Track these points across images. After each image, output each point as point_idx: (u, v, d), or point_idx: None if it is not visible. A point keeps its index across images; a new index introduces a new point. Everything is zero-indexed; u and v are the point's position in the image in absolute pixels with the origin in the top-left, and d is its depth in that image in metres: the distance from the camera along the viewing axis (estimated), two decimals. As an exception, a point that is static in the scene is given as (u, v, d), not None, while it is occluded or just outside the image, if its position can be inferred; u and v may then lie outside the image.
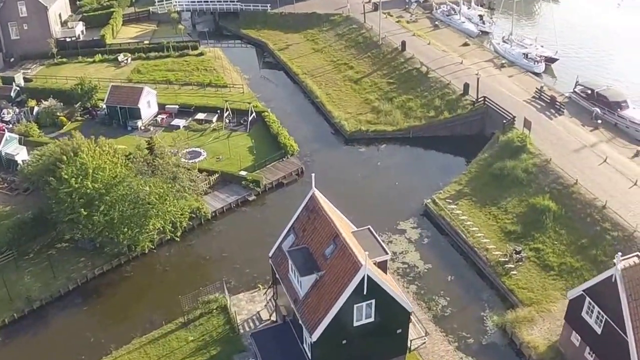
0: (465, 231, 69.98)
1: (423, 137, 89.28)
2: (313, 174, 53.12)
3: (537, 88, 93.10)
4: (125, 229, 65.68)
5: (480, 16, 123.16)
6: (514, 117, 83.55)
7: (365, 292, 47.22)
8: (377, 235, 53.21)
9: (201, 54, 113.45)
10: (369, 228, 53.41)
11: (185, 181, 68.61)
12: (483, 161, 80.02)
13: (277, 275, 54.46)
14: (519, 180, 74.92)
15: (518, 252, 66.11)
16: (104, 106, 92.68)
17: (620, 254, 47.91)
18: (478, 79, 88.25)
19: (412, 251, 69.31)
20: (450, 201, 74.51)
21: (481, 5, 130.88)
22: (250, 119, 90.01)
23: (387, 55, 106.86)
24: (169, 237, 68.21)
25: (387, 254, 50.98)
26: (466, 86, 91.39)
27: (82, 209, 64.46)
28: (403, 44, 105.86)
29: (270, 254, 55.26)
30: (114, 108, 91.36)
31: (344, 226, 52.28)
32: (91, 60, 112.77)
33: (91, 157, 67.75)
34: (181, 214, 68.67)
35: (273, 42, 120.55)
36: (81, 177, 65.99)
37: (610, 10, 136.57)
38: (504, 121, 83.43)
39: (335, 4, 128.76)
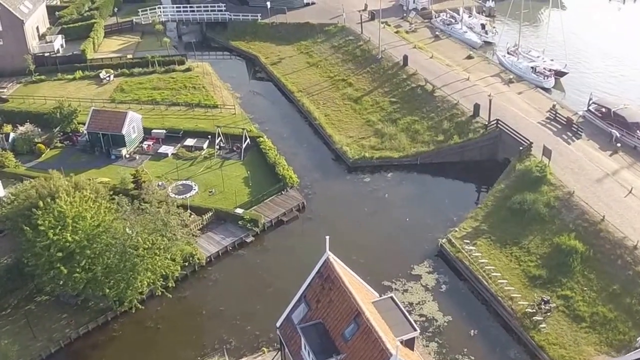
0: (487, 277, 63.75)
1: (431, 163, 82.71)
2: (327, 237, 46.19)
3: (550, 108, 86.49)
4: (112, 282, 58.50)
5: (483, 25, 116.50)
6: (531, 143, 77.43)
7: (394, 383, 40.63)
8: (401, 306, 46.54)
9: (188, 69, 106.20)
10: (391, 297, 47.14)
11: (177, 229, 61.41)
12: (500, 193, 73.70)
13: (286, 350, 47.71)
14: (540, 216, 68.85)
15: (546, 302, 60.12)
16: (85, 132, 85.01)
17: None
18: (490, 100, 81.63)
19: (430, 301, 63.03)
20: (468, 241, 68.07)
21: (480, 13, 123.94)
22: (244, 145, 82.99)
23: (388, 70, 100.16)
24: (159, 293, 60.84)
25: (415, 330, 44.33)
26: (477, 107, 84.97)
27: (62, 266, 57.23)
28: (405, 58, 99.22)
29: (278, 324, 48.58)
30: (96, 134, 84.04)
31: (364, 297, 45.72)
32: (71, 77, 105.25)
33: (70, 204, 60.32)
34: (173, 264, 61.38)
35: (264, 55, 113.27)
36: (59, 227, 58.74)
37: (612, 14, 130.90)
38: (521, 148, 77.32)
39: (329, 13, 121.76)
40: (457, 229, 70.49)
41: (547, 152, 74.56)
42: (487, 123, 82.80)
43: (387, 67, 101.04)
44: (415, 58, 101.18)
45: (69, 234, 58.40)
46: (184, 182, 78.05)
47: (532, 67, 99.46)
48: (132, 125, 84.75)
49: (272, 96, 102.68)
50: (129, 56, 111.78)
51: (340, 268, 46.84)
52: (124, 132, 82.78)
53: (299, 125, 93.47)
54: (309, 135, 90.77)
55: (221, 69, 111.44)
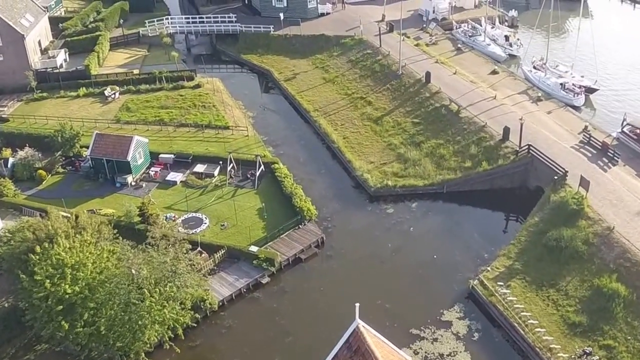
0: (523, 325, 58.36)
1: (458, 191, 77.24)
2: (357, 304, 40.54)
3: (583, 129, 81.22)
4: (116, 335, 53.32)
5: (506, 37, 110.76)
6: (566, 172, 71.94)
7: None
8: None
9: (198, 85, 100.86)
10: (428, 369, 41.47)
11: (188, 277, 56.14)
12: (534, 227, 68.28)
13: None
14: (578, 254, 63.44)
15: (588, 354, 55.09)
16: (88, 157, 79.88)
17: None
18: (522, 124, 76.23)
19: (462, 351, 57.78)
20: (501, 283, 62.71)
21: (502, 23, 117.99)
22: (258, 173, 77.63)
23: (409, 88, 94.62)
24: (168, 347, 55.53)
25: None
26: (506, 131, 79.47)
27: (63, 320, 52.13)
28: (427, 75, 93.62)
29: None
30: (100, 160, 78.84)
31: (399, 371, 40.00)
32: (75, 94, 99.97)
33: (69, 250, 55.23)
34: (182, 314, 56.09)
35: (278, 70, 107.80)
36: (57, 276, 53.61)
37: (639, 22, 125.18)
38: (555, 177, 71.94)
39: (345, 25, 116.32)
40: (489, 268, 65.13)
41: (584, 183, 69.10)
42: (518, 148, 77.34)
43: (408, 84, 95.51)
44: (438, 74, 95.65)
45: (67, 285, 53.45)
46: (194, 214, 72.72)
47: (561, 84, 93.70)
48: (138, 151, 79.60)
49: (286, 115, 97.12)
50: (135, 71, 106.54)
51: (371, 337, 41.23)
52: (129, 158, 77.69)
53: (316, 149, 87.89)
54: (327, 160, 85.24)
55: (232, 84, 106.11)
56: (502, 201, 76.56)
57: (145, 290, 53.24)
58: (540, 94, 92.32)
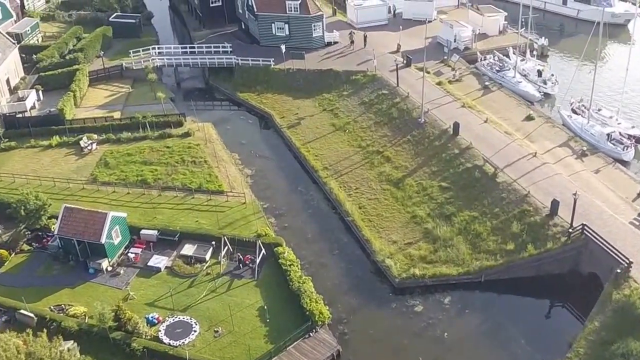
0: None
1: (499, 279, 63.98)
2: None
3: (638, 194, 69.81)
4: None
5: (539, 72, 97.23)
6: (631, 262, 58.91)
7: None
8: None
9: (187, 133, 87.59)
10: None
11: None
12: (594, 335, 56.00)
13: None
14: (652, 376, 50.78)
15: None
16: (57, 235, 66.75)
17: None
18: (575, 200, 62.98)
19: None
20: (564, 420, 49.58)
21: (531, 52, 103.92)
22: (258, 260, 64.45)
23: (434, 140, 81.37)
24: None
25: None
26: (555, 205, 66.24)
27: None
28: (455, 126, 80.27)
29: None
30: (70, 240, 65.41)
31: None
32: (47, 143, 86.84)
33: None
34: None
35: (279, 113, 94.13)
36: None
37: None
38: (618, 270, 58.88)
39: (357, 58, 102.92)
40: (544, 394, 52.12)
41: (654, 282, 56.31)
42: (570, 229, 64.18)
43: (433, 135, 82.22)
44: (467, 123, 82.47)
45: None
46: (181, 317, 59.59)
47: (607, 134, 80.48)
48: (115, 229, 66.43)
49: (290, 173, 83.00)
50: (116, 114, 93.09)
51: None
52: (103, 240, 64.56)
53: (326, 220, 74.20)
54: (340, 236, 71.72)
55: (227, 132, 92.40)
56: (551, 291, 64.34)
57: None
58: (585, 148, 79.22)
